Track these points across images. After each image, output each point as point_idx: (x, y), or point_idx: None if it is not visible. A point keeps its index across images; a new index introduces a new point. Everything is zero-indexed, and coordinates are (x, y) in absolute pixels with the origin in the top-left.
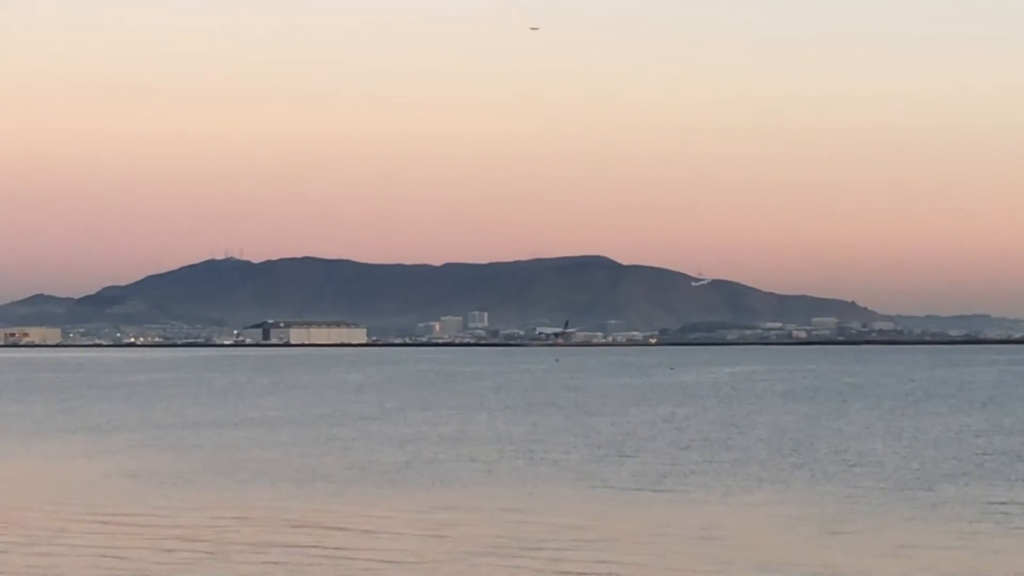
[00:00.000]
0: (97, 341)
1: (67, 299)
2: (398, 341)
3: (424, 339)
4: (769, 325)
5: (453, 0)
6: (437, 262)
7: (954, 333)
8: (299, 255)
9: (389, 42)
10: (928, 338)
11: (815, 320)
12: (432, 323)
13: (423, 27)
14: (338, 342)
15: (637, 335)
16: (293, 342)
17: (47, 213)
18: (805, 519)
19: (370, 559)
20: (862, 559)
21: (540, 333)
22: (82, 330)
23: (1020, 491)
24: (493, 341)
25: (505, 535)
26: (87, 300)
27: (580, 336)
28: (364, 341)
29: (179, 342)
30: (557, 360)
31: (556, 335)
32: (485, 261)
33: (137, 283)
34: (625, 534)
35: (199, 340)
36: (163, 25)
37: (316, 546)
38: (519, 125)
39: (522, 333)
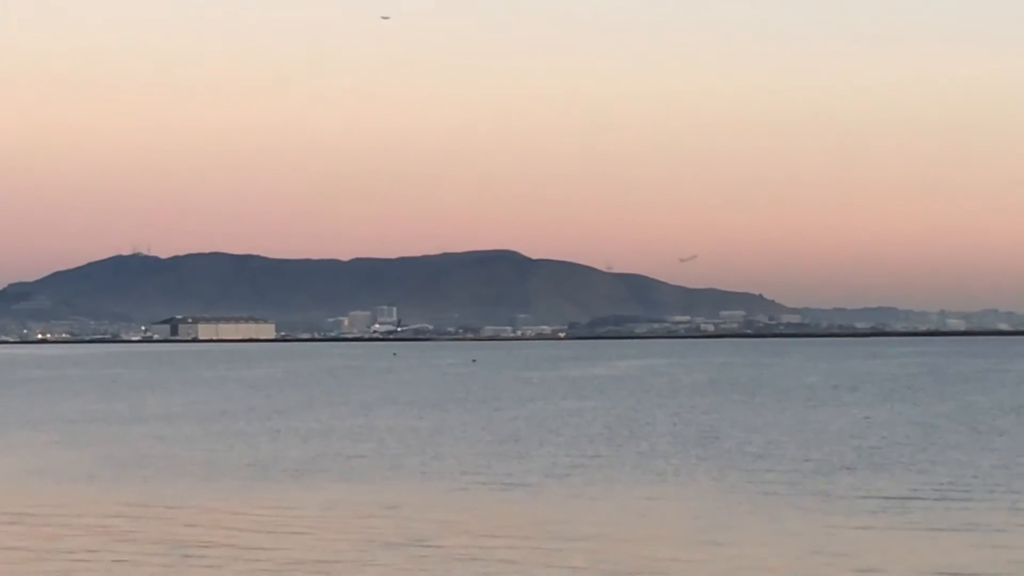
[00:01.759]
0: (3, 338)
1: None
2: (306, 336)
3: (332, 334)
4: (677, 318)
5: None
6: (345, 257)
7: (860, 326)
8: (207, 250)
9: (293, 35)
10: (835, 330)
11: (723, 313)
12: (341, 318)
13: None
14: (247, 337)
15: (546, 329)
16: (201, 338)
17: None
18: (705, 512)
19: (273, 556)
20: (760, 552)
21: (375, 331)
22: None
23: (919, 483)
24: (401, 336)
25: (406, 531)
26: None
27: (488, 330)
28: (273, 336)
29: (87, 338)
30: (395, 354)
31: (390, 333)
32: (393, 256)
33: (44, 279)
34: (522, 530)
35: (107, 336)
36: (58, 19)
37: (220, 542)
38: (427, 120)
39: (431, 328)
